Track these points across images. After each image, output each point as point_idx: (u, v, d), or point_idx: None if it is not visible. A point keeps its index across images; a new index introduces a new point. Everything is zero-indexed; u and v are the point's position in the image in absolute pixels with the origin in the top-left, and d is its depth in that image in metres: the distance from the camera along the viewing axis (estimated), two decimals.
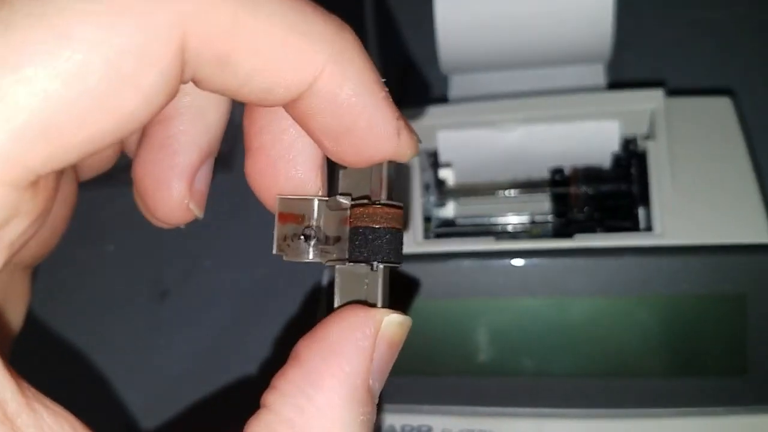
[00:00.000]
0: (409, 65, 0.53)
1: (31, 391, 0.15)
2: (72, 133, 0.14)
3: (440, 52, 0.44)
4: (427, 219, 0.42)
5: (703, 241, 0.35)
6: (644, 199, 0.38)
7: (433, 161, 0.43)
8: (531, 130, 0.41)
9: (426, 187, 0.42)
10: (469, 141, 0.42)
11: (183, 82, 0.16)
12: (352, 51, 0.17)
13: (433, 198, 0.42)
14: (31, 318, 0.50)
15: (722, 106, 0.39)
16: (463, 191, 0.43)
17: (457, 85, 0.46)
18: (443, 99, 0.46)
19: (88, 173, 0.24)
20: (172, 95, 0.15)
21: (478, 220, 0.42)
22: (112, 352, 0.48)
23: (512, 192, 0.42)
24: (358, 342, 0.17)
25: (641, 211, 0.39)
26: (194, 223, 0.52)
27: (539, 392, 0.36)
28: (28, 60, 0.13)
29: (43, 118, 0.13)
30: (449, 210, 0.44)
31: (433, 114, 0.42)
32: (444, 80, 0.46)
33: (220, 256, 0.50)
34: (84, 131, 0.14)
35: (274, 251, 0.20)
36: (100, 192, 0.52)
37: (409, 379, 0.37)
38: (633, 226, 0.38)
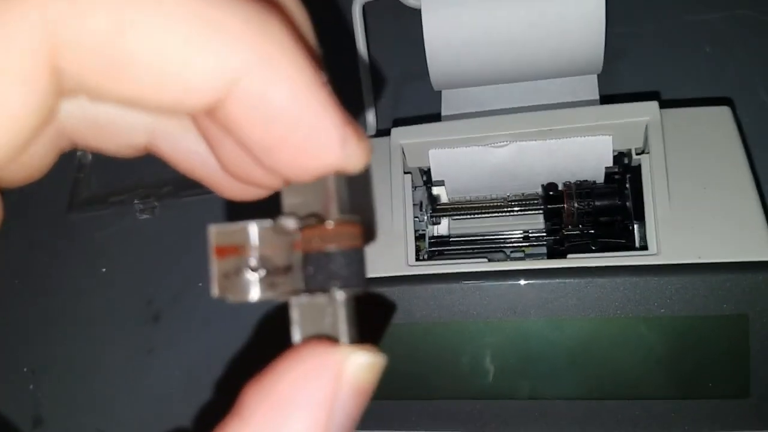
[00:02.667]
0: (401, 81, 0.52)
1: None
2: None
3: (430, 68, 0.43)
4: (421, 237, 0.41)
5: (702, 259, 0.34)
6: (639, 215, 0.37)
7: (426, 179, 0.42)
8: (523, 146, 0.40)
9: (419, 206, 0.41)
10: (461, 158, 0.41)
11: (68, 95, 0.13)
12: (280, 46, 0.14)
13: (426, 216, 0.42)
14: (22, 337, 0.50)
15: (720, 116, 0.38)
16: (456, 208, 0.42)
17: (449, 100, 0.45)
18: (437, 114, 0.45)
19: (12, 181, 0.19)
20: (51, 114, 0.13)
21: (471, 238, 0.42)
22: (104, 373, 0.48)
23: (506, 209, 0.41)
24: (313, 394, 0.14)
25: (636, 227, 0.38)
26: (185, 246, 0.51)
27: (535, 416, 0.35)
28: None
29: None
30: (443, 227, 0.43)
31: (424, 132, 0.41)
32: (436, 96, 0.46)
33: None
34: None
35: (215, 293, 0.16)
36: (93, 215, 0.52)
37: (400, 404, 0.36)
38: (628, 244, 0.38)
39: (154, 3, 0.13)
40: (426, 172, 0.42)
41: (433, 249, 0.42)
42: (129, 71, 0.13)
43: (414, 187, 0.41)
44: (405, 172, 0.40)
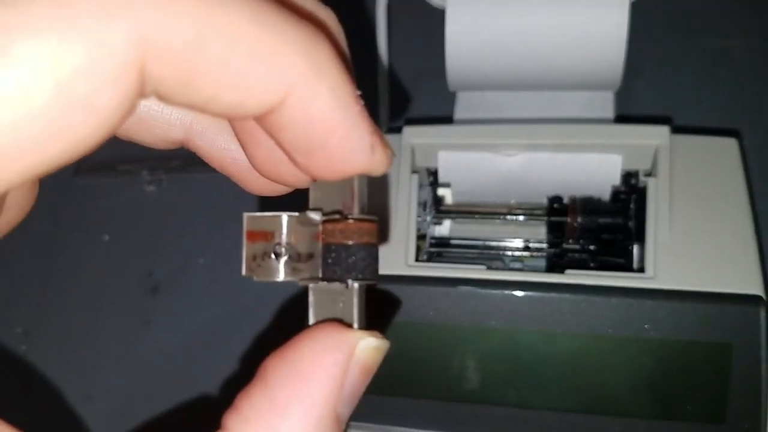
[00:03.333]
0: (417, 79, 0.53)
1: None
2: (15, 160, 0.13)
3: (448, 68, 0.43)
4: (422, 237, 0.42)
5: (695, 287, 0.35)
6: (640, 236, 0.38)
7: (433, 180, 0.43)
8: (532, 157, 0.40)
9: (423, 205, 0.42)
10: (470, 162, 0.41)
11: (144, 97, 0.15)
12: (327, 63, 0.16)
13: (429, 216, 0.42)
14: (18, 297, 0.50)
15: (727, 148, 0.39)
16: (460, 211, 0.43)
17: (463, 103, 0.45)
18: (449, 116, 0.45)
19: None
20: (130, 114, 0.14)
21: (472, 242, 0.42)
22: (98, 340, 0.48)
23: (509, 216, 0.41)
24: (329, 367, 0.16)
25: (636, 248, 0.38)
26: (189, 221, 0.51)
27: (519, 424, 0.36)
28: None
29: None
30: (445, 229, 0.44)
31: (436, 133, 0.41)
32: (451, 96, 0.46)
33: (214, 255, 0.49)
34: (29, 158, 0.13)
35: (244, 272, 0.19)
36: (100, 182, 0.52)
37: (388, 399, 0.37)
38: (626, 264, 0.38)
39: (227, 20, 0.14)
40: (433, 173, 0.43)
41: (433, 250, 0.42)
42: (202, 80, 0.14)
43: (420, 186, 0.41)
44: (412, 172, 0.41)
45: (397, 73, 0.53)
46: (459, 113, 0.45)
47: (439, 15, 0.43)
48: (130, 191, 0.52)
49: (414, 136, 0.41)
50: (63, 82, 0.13)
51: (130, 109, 0.14)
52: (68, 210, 0.52)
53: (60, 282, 0.51)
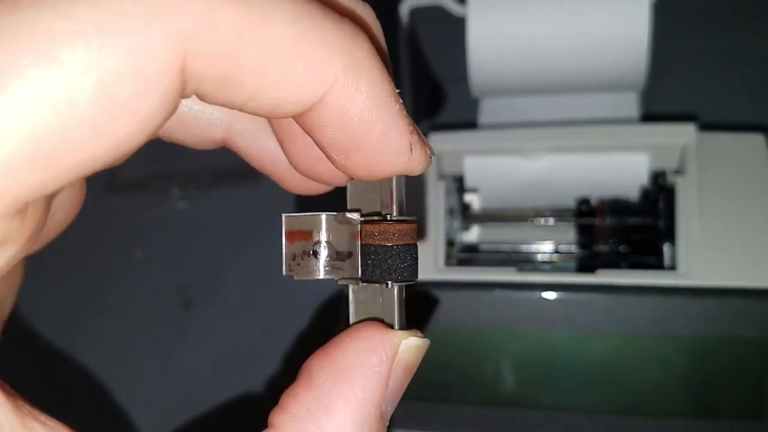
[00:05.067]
0: (440, 87, 0.53)
1: (27, 408, 0.14)
2: (62, 160, 0.13)
3: (471, 73, 0.44)
4: (450, 243, 0.42)
5: (728, 283, 0.34)
6: (670, 235, 0.37)
7: (459, 186, 0.43)
8: (559, 159, 0.41)
9: (450, 212, 0.42)
10: (496, 167, 0.41)
11: (184, 97, 0.15)
12: (366, 61, 0.16)
13: (457, 222, 0.42)
14: (56, 320, 0.51)
15: (754, 143, 0.39)
16: (488, 217, 0.43)
17: (487, 109, 0.46)
18: (473, 122, 0.46)
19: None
20: (172, 114, 0.15)
21: (501, 247, 0.42)
22: (134, 357, 0.49)
23: (537, 220, 0.42)
24: (374, 367, 0.17)
25: (667, 247, 0.38)
26: (219, 236, 0.52)
27: (555, 427, 0.36)
28: (14, 85, 0.12)
29: (31, 147, 0.13)
30: (473, 234, 0.44)
31: (461, 139, 0.42)
32: (475, 103, 0.46)
33: (244, 268, 0.50)
34: (75, 158, 0.13)
35: (284, 272, 0.19)
36: (132, 199, 0.53)
37: (423, 405, 0.37)
38: (657, 263, 0.38)
39: (267, 19, 0.14)
40: (459, 180, 0.43)
41: (461, 255, 0.42)
42: (242, 79, 0.15)
43: (447, 193, 0.41)
44: (439, 178, 0.41)
45: (420, 81, 0.53)
46: (483, 119, 0.46)
47: (459, 23, 0.43)
48: (162, 208, 0.52)
49: (440, 142, 0.41)
50: (105, 84, 0.13)
51: (172, 109, 0.14)
52: (101, 227, 0.53)
53: (94, 298, 0.51)
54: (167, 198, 0.53)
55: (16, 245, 0.14)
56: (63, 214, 0.20)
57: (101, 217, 0.53)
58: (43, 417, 0.15)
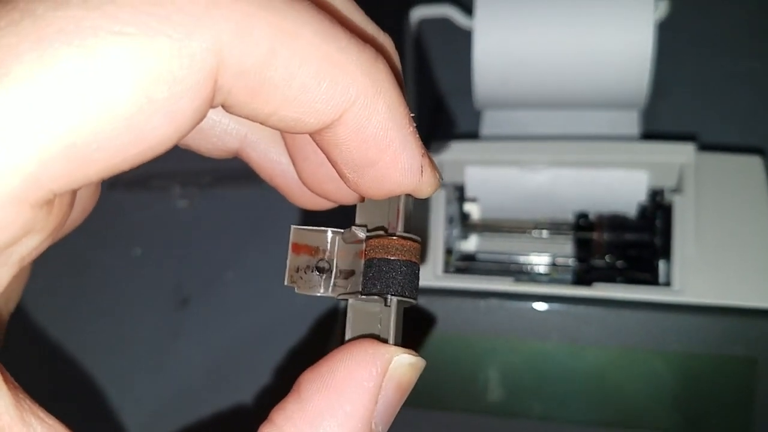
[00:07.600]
0: (442, 97, 0.54)
1: (27, 403, 0.15)
2: (95, 157, 0.14)
3: (475, 86, 0.44)
4: (449, 251, 0.42)
5: (721, 301, 0.35)
6: (666, 252, 0.38)
7: (459, 195, 0.43)
8: (559, 173, 0.41)
9: (450, 220, 0.42)
10: (497, 178, 0.42)
11: (213, 107, 0.15)
12: (385, 83, 0.16)
13: (456, 231, 0.43)
14: (53, 314, 0.51)
15: (752, 166, 0.39)
16: (487, 226, 0.43)
17: (489, 121, 0.46)
18: (474, 134, 0.46)
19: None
20: (201, 120, 0.15)
21: (499, 257, 0.43)
22: (130, 354, 0.49)
23: (535, 232, 0.42)
24: (363, 381, 0.16)
25: (662, 264, 0.39)
26: (219, 236, 0.52)
27: None
28: (56, 81, 0.13)
29: (67, 142, 0.13)
30: (471, 243, 0.44)
31: (463, 149, 0.42)
32: (476, 115, 0.47)
33: (243, 269, 0.50)
34: (108, 156, 0.14)
35: (286, 282, 0.19)
36: (132, 197, 0.53)
37: (415, 412, 0.37)
38: (653, 279, 0.38)
39: (298, 35, 0.15)
40: (459, 189, 0.43)
41: (459, 264, 0.43)
42: (269, 93, 0.15)
43: (447, 201, 0.42)
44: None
45: (423, 93, 0.54)
46: (485, 131, 0.46)
47: (465, 36, 0.44)
48: (162, 206, 0.53)
49: (442, 151, 0.42)
50: (145, 87, 0.13)
51: (202, 117, 0.15)
52: (101, 224, 0.53)
53: (91, 295, 0.52)
54: (168, 196, 0.53)
55: (41, 235, 0.14)
56: (79, 210, 0.21)
57: (101, 213, 0.53)
58: (42, 414, 0.15)
